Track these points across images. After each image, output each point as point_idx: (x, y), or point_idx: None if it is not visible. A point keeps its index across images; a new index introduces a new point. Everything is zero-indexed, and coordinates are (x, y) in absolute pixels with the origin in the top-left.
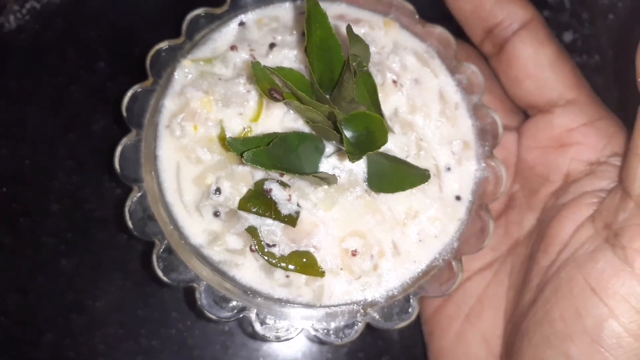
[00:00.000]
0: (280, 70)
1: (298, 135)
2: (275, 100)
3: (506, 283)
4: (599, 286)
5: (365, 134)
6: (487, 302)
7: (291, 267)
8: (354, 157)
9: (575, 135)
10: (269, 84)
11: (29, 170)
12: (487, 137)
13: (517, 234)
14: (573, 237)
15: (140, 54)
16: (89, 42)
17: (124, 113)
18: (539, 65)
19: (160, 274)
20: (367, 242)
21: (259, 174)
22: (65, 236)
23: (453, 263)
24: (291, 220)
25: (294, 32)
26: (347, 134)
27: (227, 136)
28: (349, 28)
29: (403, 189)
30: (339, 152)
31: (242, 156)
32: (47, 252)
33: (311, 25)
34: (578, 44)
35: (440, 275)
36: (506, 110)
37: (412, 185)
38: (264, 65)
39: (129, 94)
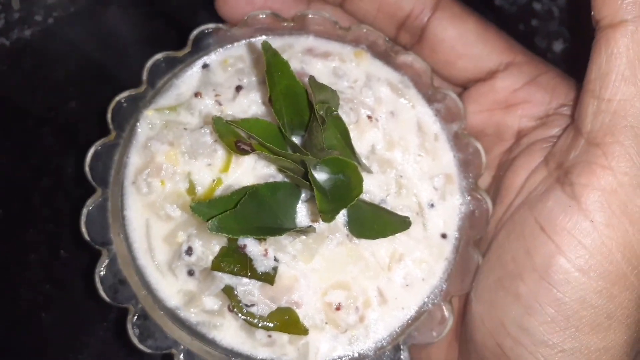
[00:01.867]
0: (245, 123)
1: (270, 186)
2: (244, 153)
3: None
4: (548, 224)
5: (341, 180)
6: None
7: (272, 326)
8: (326, 216)
9: (520, 95)
10: (234, 137)
11: (3, 219)
12: (470, 168)
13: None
14: (527, 182)
15: (112, 91)
16: (58, 81)
17: (88, 172)
18: (466, 42)
19: (136, 341)
20: (351, 294)
21: None
22: (44, 288)
23: (443, 306)
24: (268, 278)
25: (260, 73)
26: (321, 178)
27: (197, 189)
28: (311, 80)
29: (384, 236)
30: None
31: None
32: (25, 306)
33: (273, 75)
34: (569, 53)
35: (430, 320)
36: (442, 84)
37: (394, 231)
38: (226, 121)
39: (91, 151)
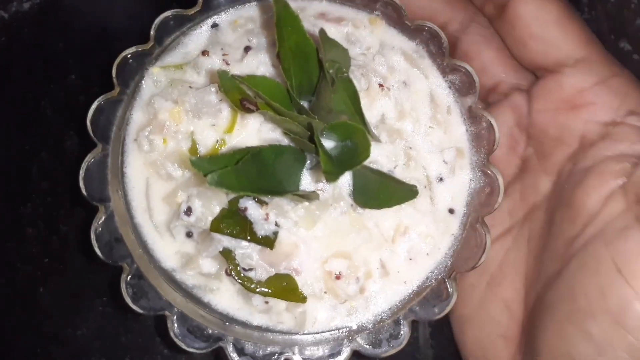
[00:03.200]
0: (251, 79)
1: (274, 149)
2: (248, 111)
3: (525, 249)
4: (626, 267)
5: (348, 146)
6: (507, 269)
7: (270, 292)
8: (330, 177)
9: (588, 96)
10: (240, 94)
11: (1, 193)
12: (482, 143)
13: (534, 198)
14: (603, 209)
15: (111, 63)
16: (58, 54)
17: (89, 126)
18: (543, 24)
19: (129, 301)
20: (353, 263)
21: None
22: (41, 262)
23: (447, 283)
24: (268, 241)
25: (271, 34)
26: (328, 145)
27: (199, 150)
28: (322, 32)
29: (389, 205)
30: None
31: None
32: (22, 281)
33: (282, 30)
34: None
35: (433, 297)
36: (516, 69)
37: (400, 201)
38: (232, 75)
39: (94, 106)
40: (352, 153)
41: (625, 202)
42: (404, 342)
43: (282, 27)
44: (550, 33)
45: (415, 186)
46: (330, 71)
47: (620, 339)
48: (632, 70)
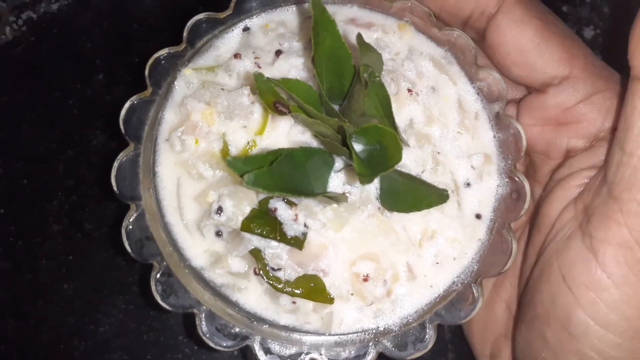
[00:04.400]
0: (285, 82)
1: (305, 151)
2: (281, 114)
3: (521, 253)
4: (569, 275)
5: (378, 150)
6: (509, 271)
7: (298, 292)
8: (364, 179)
9: (572, 114)
10: (274, 97)
11: (26, 190)
12: (509, 149)
13: (531, 203)
14: (558, 218)
15: (139, 64)
16: (86, 54)
17: (122, 126)
18: (521, 50)
19: (158, 298)
20: (380, 266)
21: (264, 192)
22: (66, 259)
23: (473, 287)
24: (298, 242)
25: (302, 39)
26: (358, 148)
27: (230, 151)
28: (359, 37)
29: (419, 209)
30: (350, 167)
31: (243, 177)
32: (46, 276)
33: (318, 34)
34: (599, 40)
35: (459, 301)
36: (507, 81)
37: (429, 205)
38: (268, 77)
39: (127, 105)
40: (382, 156)
41: (575, 211)
42: (430, 345)
43: (318, 31)
44: (530, 59)
45: (446, 190)
46: (365, 75)
47: (569, 344)
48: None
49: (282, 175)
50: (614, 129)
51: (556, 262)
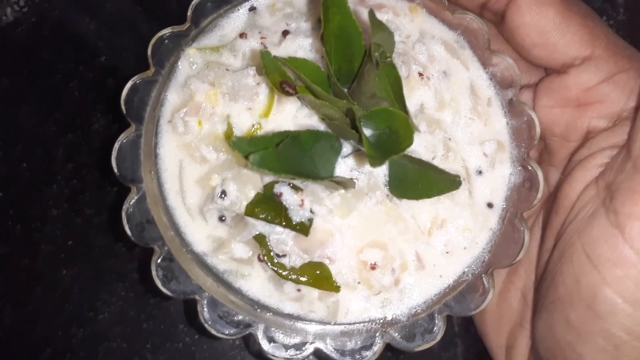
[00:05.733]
0: (293, 61)
1: (312, 134)
2: (287, 94)
3: (537, 239)
4: (593, 253)
5: (388, 134)
6: (523, 258)
7: (303, 279)
8: (375, 161)
9: (594, 94)
10: (280, 76)
11: (26, 174)
12: (522, 137)
13: (546, 190)
14: (579, 198)
15: (142, 47)
16: (88, 36)
17: (123, 106)
18: (542, 31)
19: (159, 284)
20: (388, 254)
21: (269, 176)
22: (65, 244)
23: (483, 278)
24: (303, 228)
25: (310, 18)
26: (367, 132)
27: (234, 133)
28: (371, 13)
29: (429, 196)
30: (357, 152)
31: (247, 159)
32: (45, 262)
33: (328, 10)
34: (613, 30)
35: (469, 292)
36: (523, 66)
37: (440, 192)
38: (275, 56)
39: (129, 85)
40: (392, 140)
41: (596, 189)
42: (438, 337)
43: (328, 7)
44: (551, 39)
45: (458, 176)
46: (376, 54)
47: (594, 324)
48: None
49: (288, 158)
50: (637, 108)
51: (579, 241)
